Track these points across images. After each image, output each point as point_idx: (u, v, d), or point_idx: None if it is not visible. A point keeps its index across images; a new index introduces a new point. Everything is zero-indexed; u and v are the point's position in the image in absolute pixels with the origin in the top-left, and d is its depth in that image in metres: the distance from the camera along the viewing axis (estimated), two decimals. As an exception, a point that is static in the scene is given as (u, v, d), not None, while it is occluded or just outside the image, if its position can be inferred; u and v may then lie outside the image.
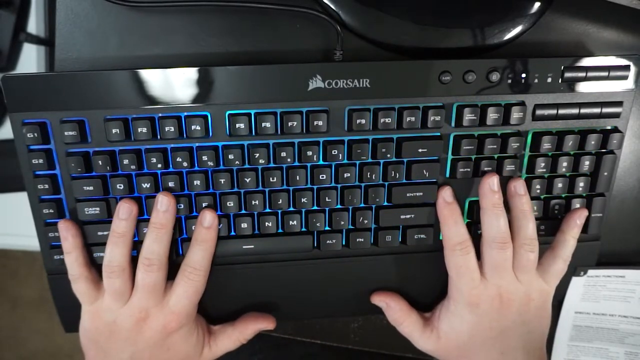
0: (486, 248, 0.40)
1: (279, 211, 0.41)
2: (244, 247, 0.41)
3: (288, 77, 0.38)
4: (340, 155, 0.39)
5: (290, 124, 0.38)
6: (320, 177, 0.40)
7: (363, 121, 0.38)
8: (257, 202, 0.40)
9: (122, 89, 0.37)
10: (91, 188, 0.38)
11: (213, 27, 0.41)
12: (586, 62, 0.39)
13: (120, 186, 0.38)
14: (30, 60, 0.60)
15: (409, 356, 0.51)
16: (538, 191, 0.42)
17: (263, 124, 0.38)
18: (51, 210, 0.39)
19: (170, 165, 0.39)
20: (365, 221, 0.41)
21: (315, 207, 0.41)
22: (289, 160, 0.39)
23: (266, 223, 0.41)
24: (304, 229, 0.41)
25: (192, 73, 0.37)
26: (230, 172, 0.39)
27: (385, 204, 0.41)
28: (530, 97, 0.40)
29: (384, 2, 0.41)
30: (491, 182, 0.39)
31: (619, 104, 0.40)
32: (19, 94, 0.36)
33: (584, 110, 0.40)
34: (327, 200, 0.40)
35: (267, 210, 0.41)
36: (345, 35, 0.41)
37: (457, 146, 0.40)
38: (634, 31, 0.44)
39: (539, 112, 0.40)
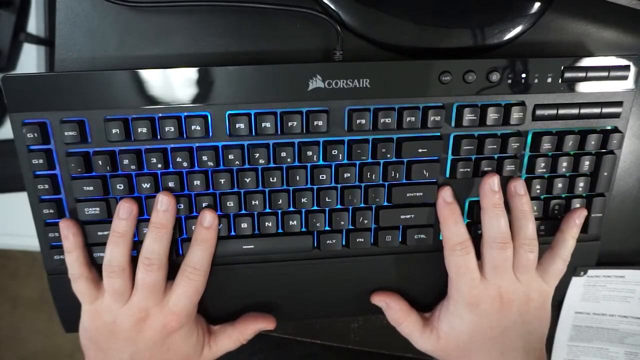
0: (486, 248, 0.40)
1: (279, 211, 0.41)
2: (244, 247, 0.41)
3: (288, 77, 0.38)
4: (340, 155, 0.39)
5: (290, 124, 0.38)
6: (320, 177, 0.40)
7: (363, 121, 0.38)
8: (257, 202, 0.40)
9: (122, 89, 0.37)
10: (91, 188, 0.38)
11: (213, 27, 0.41)
12: (586, 62, 0.39)
13: (120, 186, 0.38)
14: (30, 60, 0.60)
15: (409, 356, 0.51)
16: (538, 191, 0.42)
17: (263, 124, 0.38)
18: (51, 210, 0.39)
19: (170, 165, 0.39)
20: (365, 221, 0.41)
21: (315, 207, 0.41)
22: (289, 160, 0.39)
23: (266, 223, 0.41)
24: (304, 229, 0.41)
25: (192, 73, 0.37)
26: (230, 172, 0.39)
27: (385, 204, 0.41)
28: (530, 97, 0.40)
29: (384, 2, 0.41)
30: (491, 182, 0.39)
31: (619, 104, 0.40)
32: (19, 94, 0.36)
33: (584, 110, 0.40)
34: (327, 200, 0.40)
35: (267, 210, 0.41)
36: (345, 35, 0.41)
37: (457, 146, 0.40)
38: (634, 31, 0.44)
39: (539, 112, 0.40)
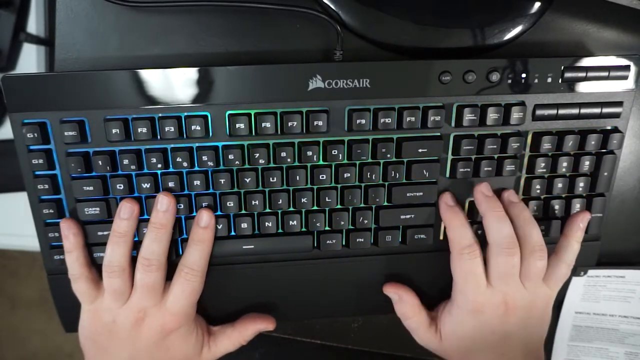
0: (493, 254, 0.39)
1: (279, 211, 0.41)
2: (244, 247, 0.41)
3: (288, 77, 0.38)
4: (340, 155, 0.39)
5: (290, 124, 0.38)
6: (320, 177, 0.40)
7: (363, 121, 0.38)
8: (257, 202, 0.40)
9: (122, 89, 0.37)
10: (91, 188, 0.38)
11: (213, 27, 0.41)
12: (586, 62, 0.39)
13: (120, 186, 0.38)
14: (30, 60, 0.60)
15: (409, 356, 0.51)
16: (538, 191, 0.42)
17: (263, 124, 0.38)
18: (51, 210, 0.39)
19: (170, 165, 0.39)
20: (365, 221, 0.41)
21: (315, 207, 0.41)
22: (289, 160, 0.39)
23: (266, 223, 0.41)
24: (304, 229, 0.41)
25: (192, 73, 0.37)
26: (230, 172, 0.39)
27: (385, 204, 0.41)
28: (530, 97, 0.40)
29: (384, 2, 0.41)
30: (482, 188, 0.40)
31: (619, 104, 0.40)
32: (19, 94, 0.36)
33: (584, 110, 0.40)
34: (327, 200, 0.40)
35: (267, 210, 0.41)
36: (345, 35, 0.41)
37: (457, 146, 0.40)
38: (634, 31, 0.44)
39: (539, 112, 0.40)
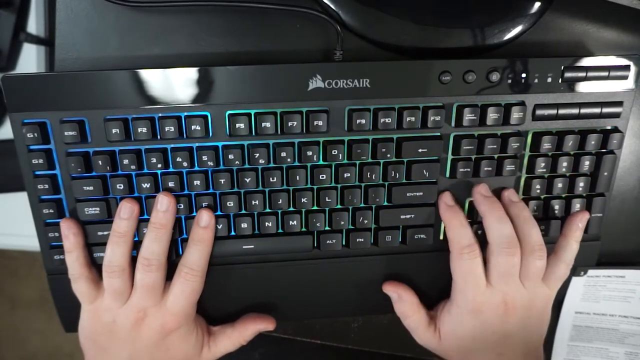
0: (493, 254, 0.39)
1: (279, 211, 0.41)
2: (244, 247, 0.41)
3: (288, 77, 0.38)
4: (340, 155, 0.39)
5: (290, 124, 0.38)
6: (320, 177, 0.40)
7: (363, 121, 0.38)
8: (257, 202, 0.40)
9: (122, 89, 0.37)
10: (91, 188, 0.38)
11: (213, 27, 0.41)
12: (586, 62, 0.39)
13: (120, 186, 0.38)
14: (30, 60, 0.60)
15: (409, 356, 0.51)
16: (538, 191, 0.42)
17: (263, 124, 0.38)
18: (51, 210, 0.39)
19: (170, 165, 0.39)
20: (365, 221, 0.41)
21: (315, 207, 0.41)
22: (289, 160, 0.39)
23: (266, 223, 0.41)
24: (304, 229, 0.41)
25: (192, 73, 0.37)
26: (230, 172, 0.39)
27: (385, 204, 0.41)
28: (530, 97, 0.40)
29: (384, 2, 0.41)
30: (481, 189, 0.40)
31: (619, 104, 0.40)
32: (19, 94, 0.36)
33: (584, 110, 0.40)
34: (327, 200, 0.40)
35: (267, 210, 0.41)
36: (345, 35, 0.41)
37: (457, 146, 0.40)
38: (634, 31, 0.44)
39: (539, 112, 0.40)
